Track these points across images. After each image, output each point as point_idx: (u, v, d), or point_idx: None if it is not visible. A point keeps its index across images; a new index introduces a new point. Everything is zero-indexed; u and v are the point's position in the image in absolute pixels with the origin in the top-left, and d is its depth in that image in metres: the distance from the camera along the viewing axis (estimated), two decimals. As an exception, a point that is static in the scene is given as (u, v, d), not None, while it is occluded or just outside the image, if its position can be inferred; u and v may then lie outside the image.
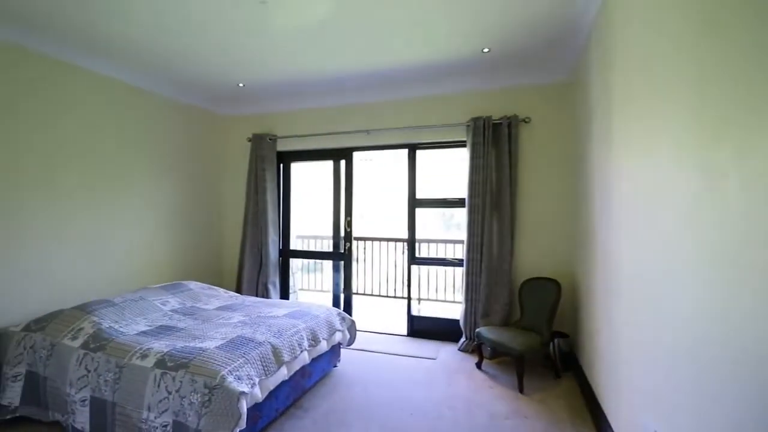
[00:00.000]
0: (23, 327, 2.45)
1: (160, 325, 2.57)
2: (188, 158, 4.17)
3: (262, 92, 4.02)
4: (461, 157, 3.76)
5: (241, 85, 3.78)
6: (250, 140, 4.37)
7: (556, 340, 3.10)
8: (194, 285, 3.48)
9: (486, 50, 2.94)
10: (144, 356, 2.09)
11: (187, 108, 4.16)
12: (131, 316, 2.65)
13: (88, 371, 2.13)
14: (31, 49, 2.74)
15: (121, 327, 2.46)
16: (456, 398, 2.67)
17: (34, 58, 2.76)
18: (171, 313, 2.85)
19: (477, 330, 3.13)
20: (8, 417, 2.25)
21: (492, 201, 3.47)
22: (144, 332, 2.42)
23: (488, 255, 3.45)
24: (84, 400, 2.09)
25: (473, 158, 3.48)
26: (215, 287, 3.62)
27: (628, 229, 1.78)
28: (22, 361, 2.32)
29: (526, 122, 3.45)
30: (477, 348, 3.20)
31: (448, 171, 4.73)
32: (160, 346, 2.17)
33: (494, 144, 3.48)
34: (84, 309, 2.54)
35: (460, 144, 3.73)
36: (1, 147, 2.58)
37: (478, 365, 3.17)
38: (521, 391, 2.75)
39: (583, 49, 2.75)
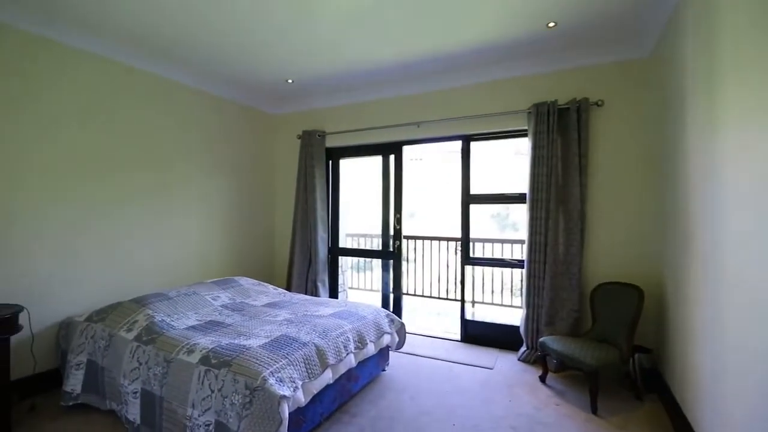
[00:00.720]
0: (86, 317, 2.55)
1: (209, 321, 2.56)
2: (241, 157, 4.24)
3: (310, 88, 3.97)
4: (520, 149, 3.43)
5: (289, 81, 3.75)
6: (299, 137, 4.35)
7: (636, 356, 2.69)
8: (245, 281, 3.49)
9: (552, 25, 2.61)
10: (190, 351, 2.06)
11: (239, 107, 4.22)
12: (183, 310, 2.68)
13: (140, 364, 2.15)
14: (92, 51, 2.87)
15: (172, 321, 2.48)
16: (519, 416, 2.37)
17: (96, 59, 2.90)
18: (221, 308, 2.85)
19: (541, 339, 2.80)
20: (71, 403, 2.34)
21: (558, 196, 3.11)
22: (193, 327, 2.42)
23: (553, 256, 3.09)
24: (135, 393, 2.11)
25: (536, 148, 3.14)
26: (265, 284, 3.61)
27: (747, 229, 1.41)
28: (84, 350, 2.41)
29: (598, 106, 3.04)
30: (540, 359, 2.87)
31: (506, 164, 4.39)
32: (206, 342, 2.14)
33: (560, 132, 3.11)
34: (140, 302, 2.60)
35: (521, 133, 3.40)
36: (65, 148, 2.73)
37: (542, 379, 2.84)
38: (594, 412, 2.40)
39: (671, 14, 2.33)
